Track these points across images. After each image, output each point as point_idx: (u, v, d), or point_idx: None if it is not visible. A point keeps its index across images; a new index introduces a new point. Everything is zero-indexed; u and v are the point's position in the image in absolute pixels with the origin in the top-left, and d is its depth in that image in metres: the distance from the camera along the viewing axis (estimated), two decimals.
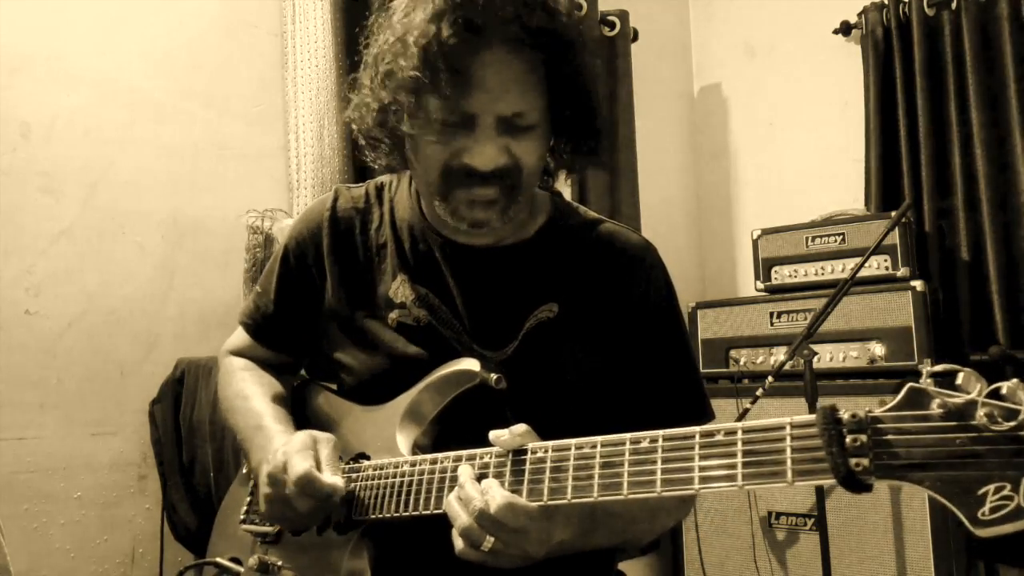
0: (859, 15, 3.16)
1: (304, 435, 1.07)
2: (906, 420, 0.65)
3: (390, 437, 1.07)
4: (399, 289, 1.15)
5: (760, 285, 2.82)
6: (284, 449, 1.05)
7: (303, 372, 1.39)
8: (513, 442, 0.89)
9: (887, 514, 2.28)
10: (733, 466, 0.73)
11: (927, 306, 2.39)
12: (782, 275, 2.78)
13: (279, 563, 1.13)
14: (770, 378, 2.11)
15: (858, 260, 2.17)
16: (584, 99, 1.06)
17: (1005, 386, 0.62)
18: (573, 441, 0.85)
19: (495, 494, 0.85)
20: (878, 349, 2.43)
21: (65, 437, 2.10)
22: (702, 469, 0.75)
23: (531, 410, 1.03)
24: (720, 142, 3.68)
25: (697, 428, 0.77)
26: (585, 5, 3.18)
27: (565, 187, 1.27)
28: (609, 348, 1.12)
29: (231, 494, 1.36)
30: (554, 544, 0.92)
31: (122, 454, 2.19)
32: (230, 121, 2.44)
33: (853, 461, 0.65)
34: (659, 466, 0.78)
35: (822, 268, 2.69)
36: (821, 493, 2.23)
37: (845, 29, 3.22)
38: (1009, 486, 0.60)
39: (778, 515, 2.49)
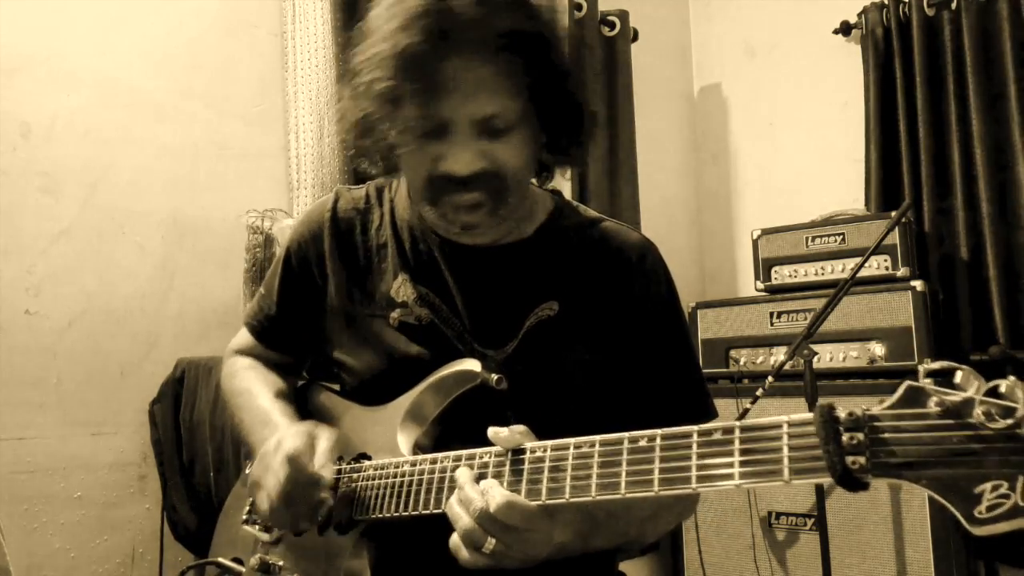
0: (859, 15, 3.16)
1: (307, 423, 1.08)
2: (903, 418, 0.65)
3: (391, 437, 1.08)
4: (400, 288, 1.16)
5: (760, 285, 2.82)
6: (279, 436, 1.06)
7: (304, 373, 1.40)
8: (512, 440, 0.89)
9: (887, 514, 2.28)
10: (730, 465, 0.73)
11: (927, 306, 2.39)
12: (782, 275, 2.78)
13: (280, 563, 1.13)
14: (770, 378, 2.11)
15: (858, 260, 2.17)
16: (563, 96, 1.05)
17: (1003, 384, 0.62)
18: (572, 440, 0.85)
19: (495, 494, 0.85)
20: (878, 349, 2.43)
21: (65, 437, 2.10)
22: (699, 468, 0.75)
23: (532, 409, 1.03)
24: (720, 142, 3.68)
25: (695, 427, 0.77)
26: (585, 5, 3.18)
27: (565, 187, 1.27)
28: (610, 346, 1.12)
29: (233, 494, 1.36)
30: (556, 544, 0.92)
31: (122, 454, 2.19)
32: (230, 121, 2.44)
33: (850, 459, 0.65)
34: (657, 465, 0.78)
35: (822, 268, 2.69)
36: (821, 493, 2.23)
37: (845, 29, 3.22)
38: (1006, 484, 0.60)
39: (778, 515, 2.49)
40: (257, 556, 1.14)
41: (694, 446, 0.76)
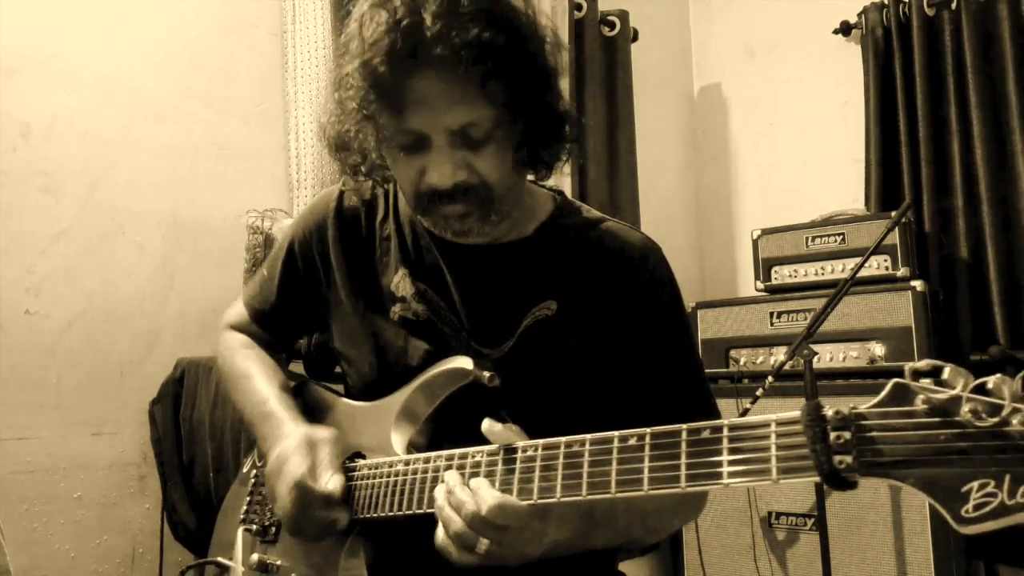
0: (859, 15, 3.16)
1: (302, 436, 1.07)
2: (890, 416, 0.65)
3: (385, 437, 1.08)
4: (400, 283, 1.16)
5: (760, 285, 2.82)
6: (280, 451, 1.06)
7: (303, 371, 1.40)
8: (504, 435, 0.89)
9: (887, 514, 2.28)
10: (719, 464, 0.73)
11: (927, 306, 2.39)
12: (782, 275, 2.78)
13: (279, 563, 1.13)
14: (770, 378, 2.11)
15: (858, 260, 2.16)
16: (539, 100, 1.04)
17: (990, 381, 0.61)
18: (563, 439, 0.85)
19: (485, 495, 0.85)
20: (878, 349, 2.43)
21: (65, 437, 2.10)
22: (689, 467, 0.75)
23: (527, 408, 1.03)
24: (720, 142, 3.68)
25: (684, 425, 0.77)
26: (585, 5, 3.18)
27: (565, 186, 1.26)
28: (610, 347, 1.11)
29: (232, 493, 1.36)
30: (550, 542, 0.92)
31: (122, 454, 2.19)
32: (230, 121, 2.45)
33: (837, 459, 0.65)
34: (646, 464, 0.78)
35: (822, 268, 2.69)
36: (821, 493, 2.23)
37: (845, 29, 3.22)
38: (993, 483, 0.59)
39: (778, 515, 2.49)
40: (255, 555, 1.15)
41: (683, 445, 0.76)
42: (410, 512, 0.97)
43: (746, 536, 2.53)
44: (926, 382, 0.64)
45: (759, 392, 2.12)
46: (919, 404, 0.64)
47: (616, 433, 0.81)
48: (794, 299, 2.63)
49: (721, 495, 2.55)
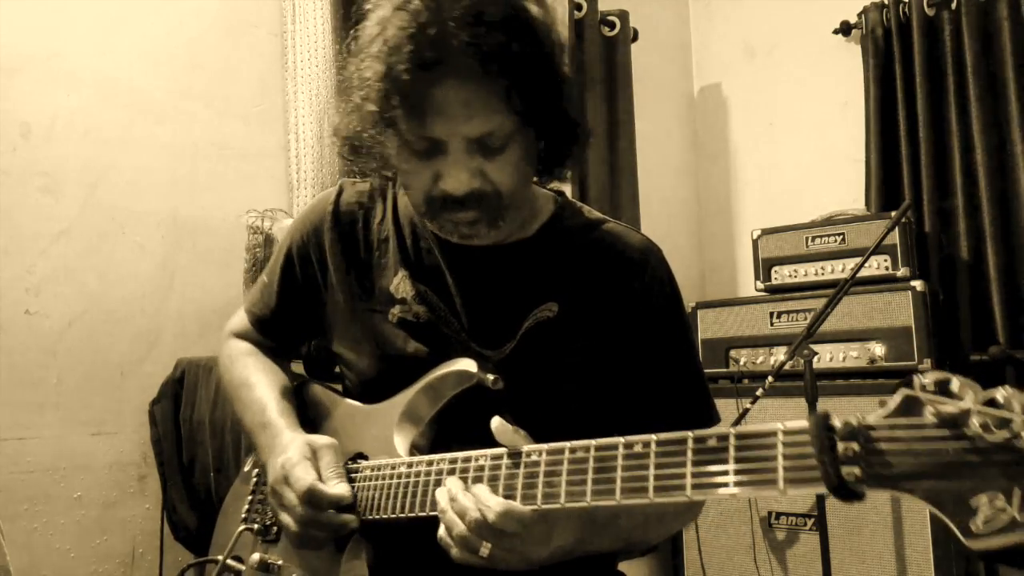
0: (859, 15, 3.16)
1: (302, 445, 1.07)
2: (899, 428, 0.64)
3: (387, 438, 1.08)
4: (400, 285, 1.15)
5: (760, 285, 2.82)
6: (283, 460, 1.05)
7: (303, 371, 1.40)
8: (512, 437, 0.89)
9: (887, 514, 2.28)
10: (725, 472, 0.72)
11: (927, 306, 2.39)
12: (782, 275, 2.78)
13: (280, 562, 1.13)
14: (770, 378, 2.11)
15: (858, 260, 2.16)
16: (558, 110, 1.04)
17: (1000, 394, 0.60)
18: (567, 444, 0.85)
19: (490, 503, 0.85)
20: (878, 349, 2.43)
21: (65, 437, 2.10)
22: (695, 475, 0.74)
23: (529, 410, 1.03)
24: (720, 142, 3.68)
25: (690, 432, 0.76)
26: (585, 5, 3.18)
27: (565, 187, 1.26)
28: (610, 349, 1.11)
29: (233, 492, 1.36)
30: (555, 547, 0.91)
31: (122, 454, 2.19)
32: (230, 121, 2.44)
33: (845, 470, 0.64)
34: (652, 471, 0.77)
35: (822, 268, 2.69)
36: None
37: (845, 29, 3.22)
38: (1003, 497, 0.58)
39: (778, 515, 2.49)
40: (257, 554, 1.15)
41: (689, 452, 0.75)
42: (412, 515, 0.97)
43: (746, 536, 2.53)
44: (934, 394, 0.63)
45: (759, 392, 2.12)
46: (928, 416, 0.63)
47: (621, 439, 0.81)
48: (794, 299, 2.63)
49: None
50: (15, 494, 2.01)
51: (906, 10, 3.03)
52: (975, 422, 0.60)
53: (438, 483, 0.94)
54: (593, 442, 0.83)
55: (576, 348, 1.11)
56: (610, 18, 3.28)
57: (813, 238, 2.73)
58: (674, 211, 3.65)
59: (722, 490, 0.72)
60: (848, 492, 0.65)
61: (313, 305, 1.25)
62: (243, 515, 1.25)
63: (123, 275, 2.22)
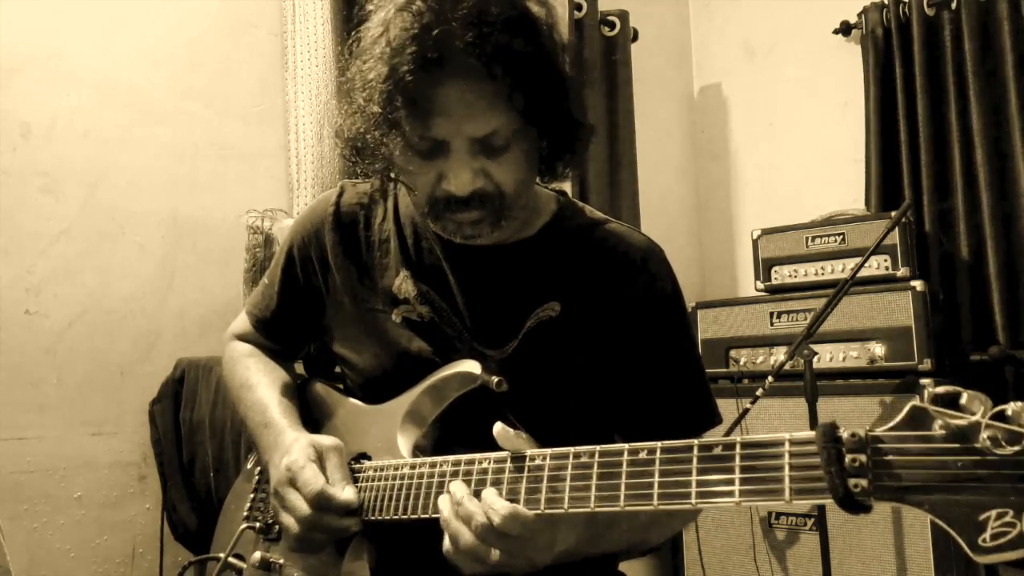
0: (859, 15, 3.16)
1: (307, 447, 1.06)
2: (907, 440, 0.63)
3: (391, 438, 1.07)
4: (402, 285, 1.15)
5: (760, 285, 2.82)
6: (288, 462, 1.05)
7: (304, 371, 1.40)
8: (515, 441, 0.89)
9: (887, 514, 2.28)
10: (731, 482, 0.72)
11: (927, 306, 2.38)
12: (782, 275, 2.78)
13: (281, 561, 1.13)
14: (770, 378, 2.11)
15: (858, 260, 2.16)
16: (561, 109, 1.04)
17: (1010, 408, 0.60)
18: (571, 449, 0.84)
19: (497, 506, 0.85)
20: (878, 349, 2.43)
21: (65, 437, 2.10)
22: (699, 484, 0.74)
23: (532, 410, 1.03)
24: (720, 142, 3.68)
25: (695, 440, 0.76)
26: (585, 5, 3.18)
27: (565, 186, 1.26)
28: (612, 349, 1.11)
29: (234, 490, 1.36)
30: (558, 551, 0.91)
31: (122, 454, 2.19)
32: (230, 121, 2.44)
33: (852, 482, 0.64)
34: (656, 479, 0.77)
35: (822, 268, 2.69)
36: None
37: (845, 29, 3.22)
38: (1011, 512, 0.58)
39: (778, 515, 2.49)
40: (258, 553, 1.15)
41: (694, 461, 0.75)
42: (415, 516, 0.97)
43: (746, 536, 2.53)
44: (943, 407, 0.63)
45: (759, 392, 2.12)
46: (937, 429, 0.62)
47: (626, 446, 0.80)
48: (794, 299, 2.63)
49: None
50: (15, 494, 2.01)
51: (906, 10, 3.03)
52: (984, 436, 0.60)
53: (441, 485, 0.94)
54: (597, 448, 0.82)
55: (578, 348, 1.11)
56: (610, 18, 3.28)
57: (813, 238, 2.72)
58: (674, 211, 3.65)
59: (728, 499, 0.72)
60: (855, 504, 0.64)
61: (314, 306, 1.25)
62: (245, 513, 1.25)
63: (123, 275, 2.22)
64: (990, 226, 2.78)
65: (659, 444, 0.78)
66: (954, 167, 2.89)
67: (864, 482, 0.64)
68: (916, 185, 2.95)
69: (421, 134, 0.99)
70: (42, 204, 2.11)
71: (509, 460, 0.89)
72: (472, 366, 1.04)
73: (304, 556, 1.11)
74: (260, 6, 2.53)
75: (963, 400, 0.62)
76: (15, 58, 2.09)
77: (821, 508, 2.21)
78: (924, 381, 2.23)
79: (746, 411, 2.17)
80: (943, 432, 0.62)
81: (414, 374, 1.10)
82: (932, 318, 2.41)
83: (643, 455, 0.78)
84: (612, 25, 3.28)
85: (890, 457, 0.63)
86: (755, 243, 2.85)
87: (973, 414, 0.61)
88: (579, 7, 3.17)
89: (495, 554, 0.85)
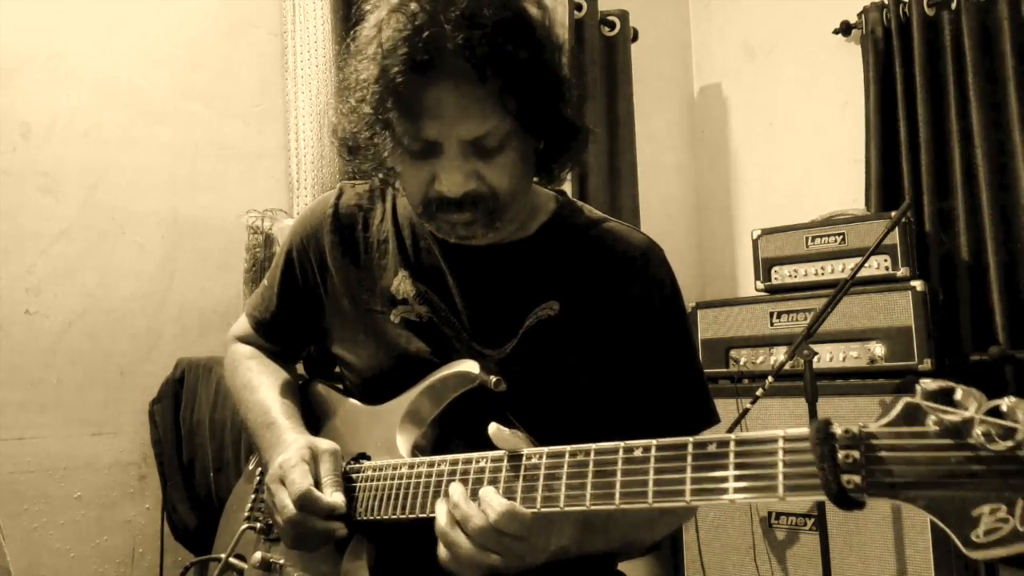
0: (859, 15, 3.16)
1: (303, 448, 1.07)
2: (901, 436, 0.63)
3: (390, 438, 1.08)
4: (400, 285, 1.15)
5: (760, 285, 2.82)
6: (281, 461, 1.05)
7: (304, 372, 1.40)
8: (511, 440, 0.89)
9: (887, 514, 2.28)
10: (725, 479, 0.72)
11: (927, 306, 2.38)
12: (782, 275, 2.78)
13: (281, 561, 1.13)
14: (770, 378, 2.11)
15: (858, 260, 2.16)
16: (553, 111, 1.03)
17: (1004, 403, 0.60)
18: (567, 448, 0.85)
19: (495, 503, 0.85)
20: (878, 349, 2.43)
21: (65, 437, 2.10)
22: (694, 481, 0.74)
23: (530, 409, 1.03)
24: (720, 142, 3.68)
25: (690, 438, 0.76)
26: (585, 5, 3.18)
27: (565, 186, 1.26)
28: (610, 348, 1.11)
29: (236, 491, 1.37)
30: (553, 549, 0.92)
31: (122, 454, 2.19)
32: (230, 121, 2.45)
33: (845, 478, 0.64)
34: (651, 476, 0.77)
35: (822, 268, 2.69)
36: None
37: (845, 29, 3.22)
38: (1005, 508, 0.58)
39: (778, 515, 2.49)
40: (259, 553, 1.15)
41: (689, 458, 0.75)
42: (413, 516, 0.97)
43: (746, 536, 2.53)
44: (937, 402, 0.63)
45: (759, 392, 2.12)
46: (930, 425, 0.62)
47: (621, 444, 0.81)
48: (794, 299, 2.63)
49: None
50: (15, 494, 2.01)
51: (906, 10, 3.03)
52: (978, 431, 0.60)
53: (439, 485, 0.94)
54: (593, 446, 0.83)
55: (577, 347, 1.11)
56: (610, 18, 3.28)
57: (813, 238, 2.72)
58: (674, 211, 3.65)
59: (722, 496, 0.72)
60: (848, 500, 0.64)
61: (313, 308, 1.25)
62: (246, 514, 1.26)
63: (123, 275, 2.22)
64: (990, 226, 2.78)
65: (654, 442, 0.78)
66: (954, 167, 2.89)
67: (857, 478, 0.64)
68: (916, 185, 2.95)
69: (413, 135, 0.99)
70: (42, 204, 2.11)
71: (506, 459, 0.89)
72: (471, 366, 1.04)
73: (304, 556, 1.11)
74: (260, 6, 2.53)
75: (957, 396, 0.62)
76: (15, 58, 2.09)
77: (821, 508, 2.21)
78: (924, 381, 2.23)
79: (746, 411, 2.17)
80: (937, 428, 0.62)
81: (413, 374, 1.10)
82: (932, 318, 2.41)
83: (638, 453, 0.79)
84: (612, 25, 3.28)
85: (884, 453, 0.63)
86: (755, 243, 2.85)
87: (967, 410, 0.61)
88: (579, 7, 3.17)
89: (491, 556, 0.85)
